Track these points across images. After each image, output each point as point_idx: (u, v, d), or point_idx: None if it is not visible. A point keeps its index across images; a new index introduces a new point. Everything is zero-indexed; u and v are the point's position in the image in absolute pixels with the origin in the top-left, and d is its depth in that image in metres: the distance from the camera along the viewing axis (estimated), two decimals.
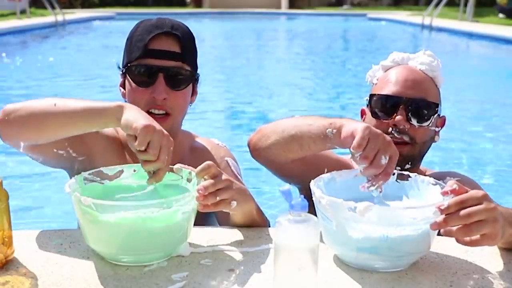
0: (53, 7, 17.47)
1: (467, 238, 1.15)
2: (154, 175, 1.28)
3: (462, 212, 1.13)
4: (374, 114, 1.69)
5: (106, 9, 23.81)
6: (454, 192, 1.18)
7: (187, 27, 1.67)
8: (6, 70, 9.03)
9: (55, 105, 1.39)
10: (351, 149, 1.29)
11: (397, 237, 1.19)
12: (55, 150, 1.55)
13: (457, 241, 1.16)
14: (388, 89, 1.68)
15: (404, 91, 1.66)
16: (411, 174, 1.41)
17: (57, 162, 1.62)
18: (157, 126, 1.27)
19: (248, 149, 1.69)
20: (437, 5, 16.58)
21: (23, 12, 17.81)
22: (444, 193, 1.19)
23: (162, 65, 1.57)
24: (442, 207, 1.14)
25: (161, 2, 27.04)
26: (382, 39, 14.97)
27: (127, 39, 1.64)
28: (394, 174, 1.39)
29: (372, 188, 1.29)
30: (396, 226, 1.18)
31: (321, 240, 1.28)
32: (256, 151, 1.65)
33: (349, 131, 1.34)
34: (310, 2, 28.02)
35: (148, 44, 1.57)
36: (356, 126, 1.33)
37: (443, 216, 1.14)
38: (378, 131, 1.32)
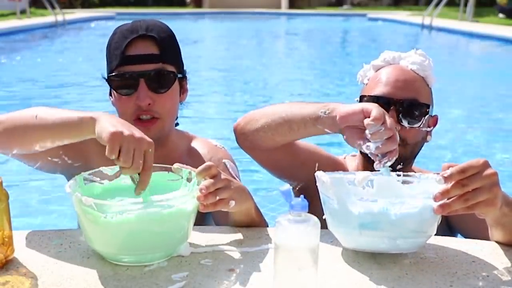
0: (53, 7, 17.46)
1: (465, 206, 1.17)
2: (138, 183, 1.24)
3: (460, 183, 1.15)
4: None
5: (106, 9, 23.77)
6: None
7: (164, 25, 1.64)
8: (6, 70, 9.03)
9: (36, 117, 1.39)
10: (369, 121, 1.28)
11: (397, 212, 1.20)
12: (49, 158, 1.54)
13: (456, 211, 1.17)
14: (379, 90, 1.66)
15: (395, 92, 1.64)
16: (416, 174, 1.41)
17: (53, 169, 1.62)
18: (126, 131, 1.21)
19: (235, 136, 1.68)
20: (437, 5, 16.58)
21: (23, 12, 17.80)
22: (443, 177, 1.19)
23: (141, 70, 1.55)
24: (445, 175, 1.15)
25: (161, 2, 27.00)
26: (382, 39, 14.97)
27: (107, 48, 1.62)
28: (399, 175, 1.39)
29: (389, 163, 1.30)
30: (395, 198, 1.20)
31: (326, 227, 1.30)
32: (243, 135, 1.64)
33: (354, 108, 1.34)
34: (310, 2, 28.00)
35: (124, 51, 1.54)
36: (363, 104, 1.34)
37: (444, 189, 1.15)
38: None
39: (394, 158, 1.30)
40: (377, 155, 1.31)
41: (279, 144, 1.61)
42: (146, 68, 1.55)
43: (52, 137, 1.39)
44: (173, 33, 1.66)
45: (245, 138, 1.65)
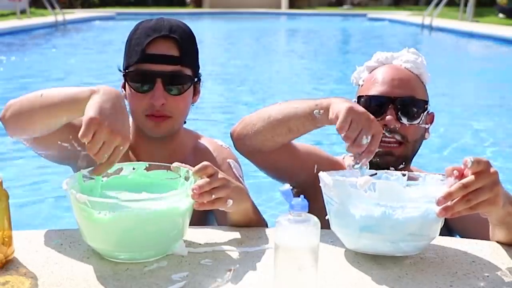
0: (53, 7, 17.46)
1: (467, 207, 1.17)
2: (94, 169, 1.28)
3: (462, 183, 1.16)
4: None
5: (106, 9, 23.77)
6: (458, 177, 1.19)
7: (187, 26, 1.65)
8: (5, 70, 9.03)
9: (41, 95, 1.39)
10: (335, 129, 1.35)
11: (398, 215, 1.20)
12: (59, 143, 1.54)
13: (458, 213, 1.17)
14: (376, 89, 1.68)
15: (392, 90, 1.66)
16: (421, 174, 1.41)
17: (63, 157, 1.62)
18: (106, 121, 1.21)
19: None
20: (437, 5, 16.58)
21: (23, 12, 17.78)
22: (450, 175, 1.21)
23: (160, 70, 1.56)
24: (469, 165, 1.15)
25: (161, 2, 27.00)
26: (382, 39, 14.97)
27: (127, 41, 1.62)
28: (404, 175, 1.40)
29: (357, 166, 1.34)
30: (397, 202, 1.20)
31: (328, 227, 1.31)
32: (241, 140, 1.67)
33: (334, 112, 1.39)
34: (310, 2, 27.99)
35: (145, 49, 1.55)
36: (340, 107, 1.37)
37: (446, 192, 1.16)
38: (361, 109, 1.38)
39: (364, 160, 1.35)
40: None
41: (280, 145, 1.63)
42: (165, 69, 1.56)
43: (56, 114, 1.39)
44: (194, 36, 1.67)
45: (243, 143, 1.67)
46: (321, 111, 1.45)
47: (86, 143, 1.22)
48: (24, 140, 1.53)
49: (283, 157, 1.67)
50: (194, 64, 1.65)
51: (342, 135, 1.34)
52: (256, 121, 1.61)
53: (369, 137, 1.34)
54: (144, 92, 1.57)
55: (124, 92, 1.66)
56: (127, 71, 1.60)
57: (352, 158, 1.39)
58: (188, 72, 1.61)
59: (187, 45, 1.60)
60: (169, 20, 1.62)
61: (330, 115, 1.40)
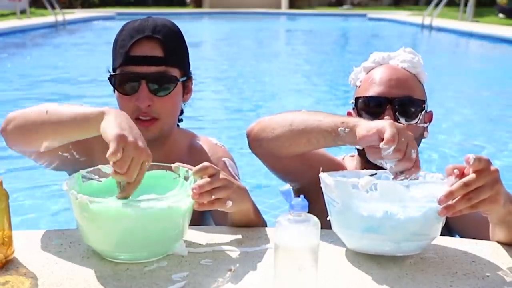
0: (53, 7, 17.46)
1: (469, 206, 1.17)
2: (123, 191, 1.22)
3: (463, 181, 1.15)
4: (361, 116, 1.67)
5: (106, 9, 23.78)
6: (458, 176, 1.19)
7: (173, 25, 1.63)
8: (5, 70, 9.03)
9: (46, 112, 1.38)
10: (382, 145, 1.26)
11: (401, 216, 1.20)
12: (60, 153, 1.55)
13: (460, 211, 1.17)
14: (373, 90, 1.68)
15: (389, 91, 1.66)
16: (421, 174, 1.41)
17: (62, 165, 1.63)
18: (131, 137, 1.18)
19: (247, 140, 1.67)
20: (437, 5, 16.58)
21: (23, 12, 17.80)
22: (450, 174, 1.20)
23: (144, 72, 1.54)
24: (471, 161, 1.15)
25: (161, 2, 27.00)
26: (382, 39, 14.96)
27: (113, 44, 1.61)
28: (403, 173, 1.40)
29: (406, 180, 1.28)
30: (399, 202, 1.20)
31: (330, 227, 1.31)
32: (258, 142, 1.63)
33: (371, 129, 1.32)
34: (310, 2, 27.98)
35: (129, 51, 1.54)
36: (379, 123, 1.32)
37: (447, 191, 1.16)
38: (403, 125, 1.34)
39: (413, 175, 1.28)
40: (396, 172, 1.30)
41: (294, 154, 1.60)
42: (149, 70, 1.54)
43: (63, 133, 1.38)
44: (181, 34, 1.65)
45: (259, 145, 1.64)
46: (346, 129, 1.40)
47: (112, 162, 1.15)
48: (25, 152, 1.53)
49: (295, 161, 1.65)
50: (181, 63, 1.63)
51: (389, 150, 1.25)
52: (276, 126, 1.57)
53: (415, 151, 1.27)
54: (130, 94, 1.56)
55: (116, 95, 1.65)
56: (112, 74, 1.59)
57: (388, 167, 1.30)
58: (174, 72, 1.59)
59: (172, 45, 1.58)
60: (154, 20, 1.60)
61: (363, 132, 1.33)
